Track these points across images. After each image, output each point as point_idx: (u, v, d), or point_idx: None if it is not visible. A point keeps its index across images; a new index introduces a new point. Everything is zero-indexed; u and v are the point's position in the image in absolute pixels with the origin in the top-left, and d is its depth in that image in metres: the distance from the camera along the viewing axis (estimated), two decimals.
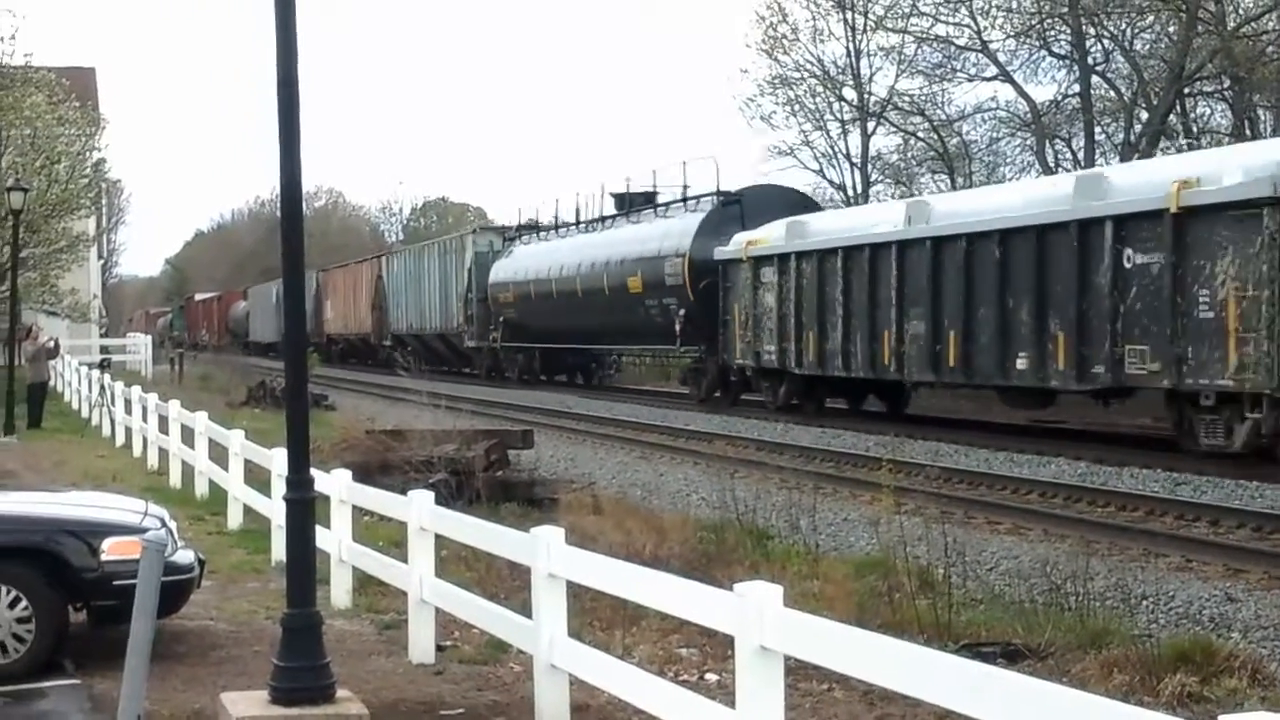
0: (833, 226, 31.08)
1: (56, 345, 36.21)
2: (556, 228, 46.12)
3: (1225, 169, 20.13)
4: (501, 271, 46.37)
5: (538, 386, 43.05)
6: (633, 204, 41.50)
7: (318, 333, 60.25)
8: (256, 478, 15.94)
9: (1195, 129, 43.35)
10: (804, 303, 30.11)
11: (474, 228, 51.43)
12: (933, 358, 25.95)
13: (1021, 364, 23.64)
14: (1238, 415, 19.46)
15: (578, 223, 44.68)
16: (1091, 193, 22.25)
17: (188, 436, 20.01)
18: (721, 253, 33.45)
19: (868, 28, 50.95)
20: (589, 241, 41.87)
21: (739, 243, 32.86)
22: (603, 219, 42.98)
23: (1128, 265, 21.26)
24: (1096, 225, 21.85)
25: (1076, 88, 45.39)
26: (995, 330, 24.32)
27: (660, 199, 40.18)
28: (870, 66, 52.39)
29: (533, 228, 47.68)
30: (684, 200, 38.26)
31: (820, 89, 53.23)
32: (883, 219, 28.71)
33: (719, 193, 36.74)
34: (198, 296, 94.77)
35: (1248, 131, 39.52)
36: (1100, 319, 21.75)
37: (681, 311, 35.12)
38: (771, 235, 32.07)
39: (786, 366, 30.81)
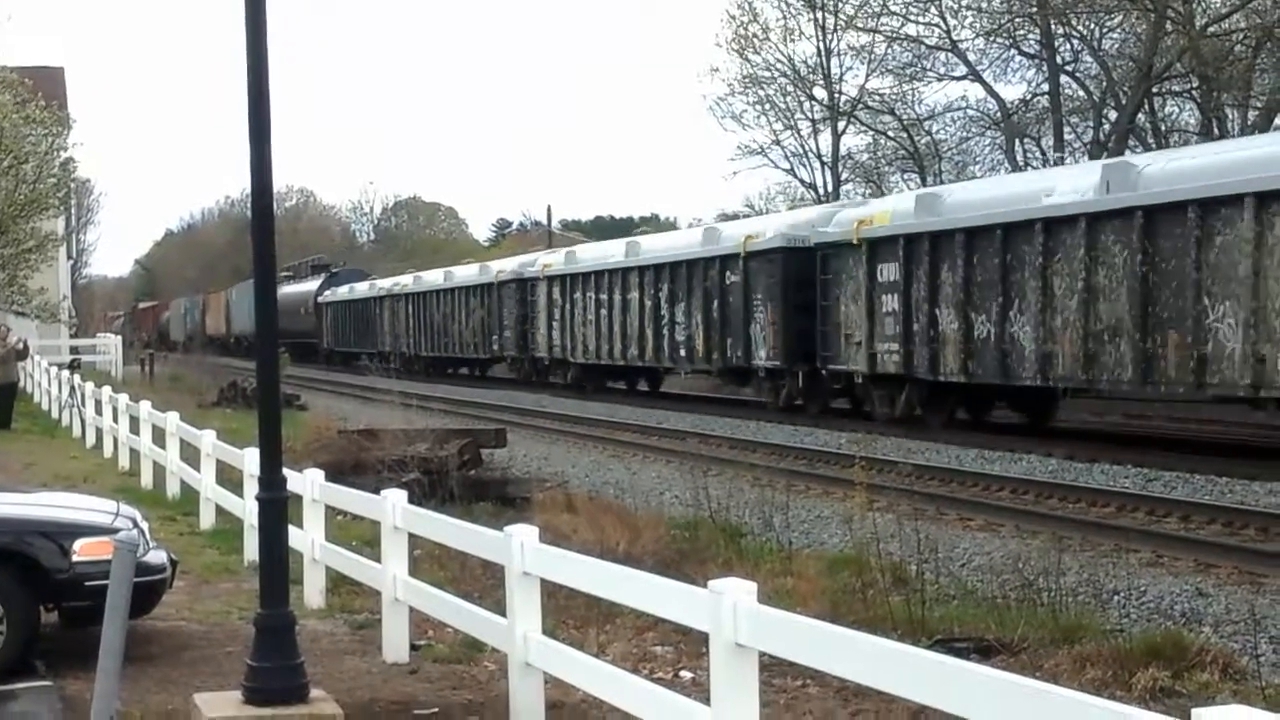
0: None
1: (26, 346, 35.95)
2: (289, 279, 75.12)
3: None
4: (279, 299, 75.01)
5: (506, 386, 44.60)
6: (314, 268, 75.78)
7: (202, 334, 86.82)
8: (228, 478, 15.89)
9: (1163, 128, 43.61)
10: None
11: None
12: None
13: None
14: None
15: (297, 276, 76.49)
16: None
17: (159, 437, 19.93)
18: (326, 296, 69.49)
19: (838, 27, 51.18)
20: (301, 286, 73.60)
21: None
22: (305, 275, 75.49)
23: None
24: None
25: (1046, 87, 45.65)
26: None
27: (334, 269, 75.47)
28: (840, 66, 52.66)
29: (310, 275, 76.03)
30: (322, 271, 74.05)
31: (791, 88, 53.44)
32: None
33: (329, 270, 73.71)
34: (140, 305, 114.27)
35: (1215, 130, 39.76)
36: None
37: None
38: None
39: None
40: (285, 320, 68.45)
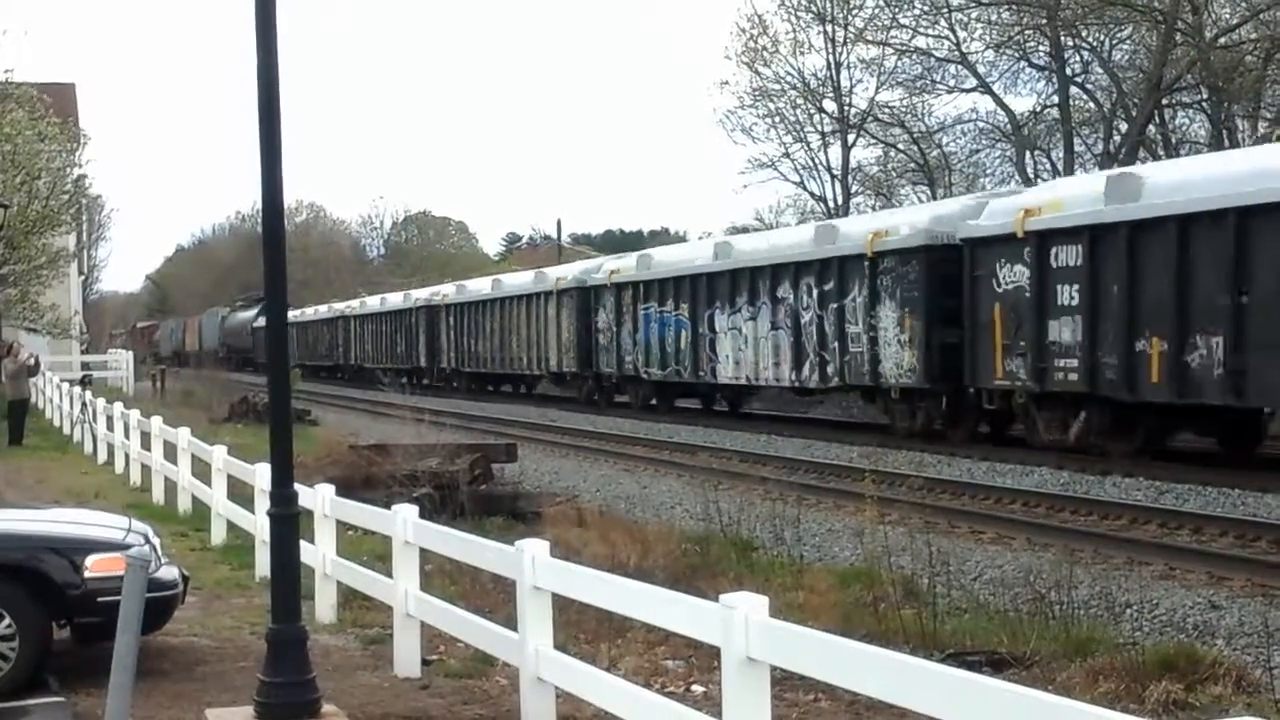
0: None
1: (37, 362, 36.05)
2: (238, 307, 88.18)
3: None
4: (229, 323, 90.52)
5: (518, 400, 45.35)
6: (255, 300, 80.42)
7: (183, 350, 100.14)
8: (240, 493, 15.90)
9: (1174, 139, 43.57)
10: None
11: (223, 305, 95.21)
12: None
13: None
14: None
15: (235, 308, 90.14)
16: None
17: (170, 453, 19.95)
18: (259, 322, 72.32)
19: (848, 40, 51.14)
20: (245, 314, 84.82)
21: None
22: (250, 305, 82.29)
23: None
24: None
25: (1055, 99, 45.59)
26: None
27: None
28: (850, 79, 52.62)
29: (250, 304, 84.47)
30: (258, 303, 76.44)
31: (800, 101, 53.41)
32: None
33: (259, 300, 78.23)
34: (138, 325, 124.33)
35: (1226, 141, 39.71)
36: None
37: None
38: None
39: None
40: (233, 339, 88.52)
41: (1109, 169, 31.47)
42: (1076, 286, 21.92)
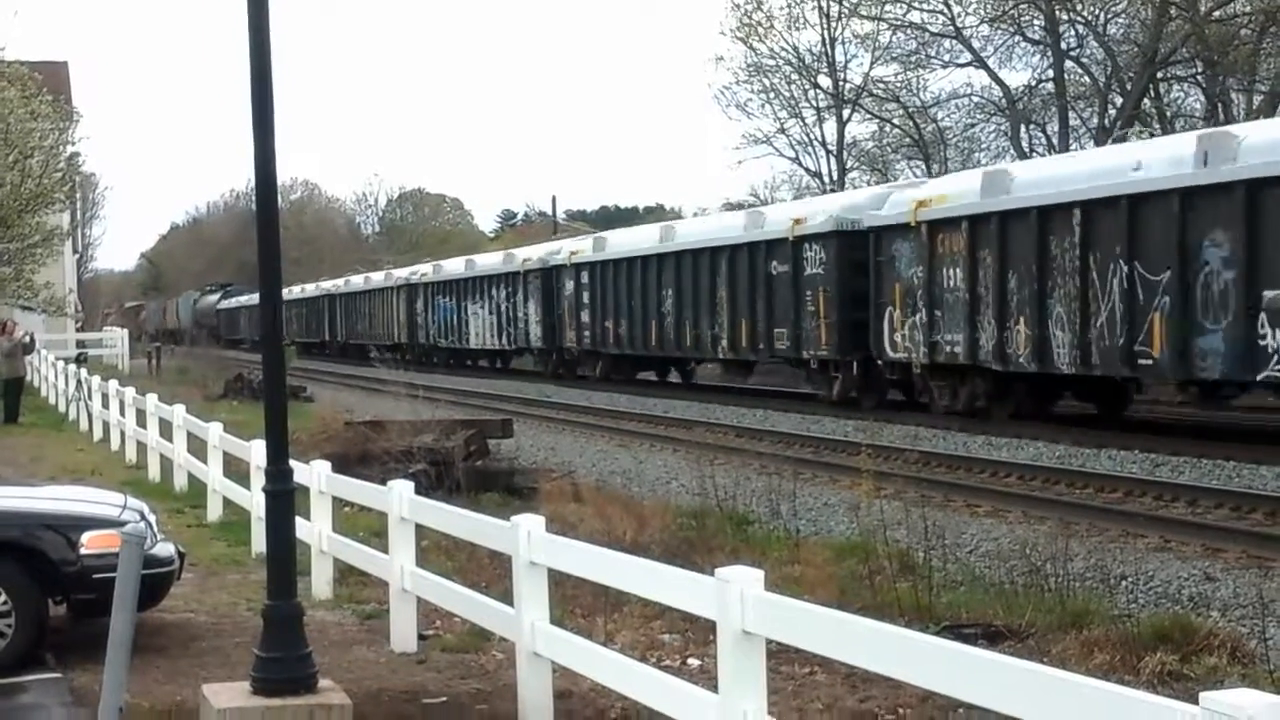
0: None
1: (32, 340, 36.00)
2: (207, 292, 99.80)
3: None
4: (199, 304, 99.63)
5: (506, 376, 45.81)
6: (220, 285, 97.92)
7: (164, 328, 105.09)
8: (236, 470, 15.90)
9: (1168, 113, 43.53)
10: None
11: (194, 289, 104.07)
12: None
13: None
14: None
15: (204, 293, 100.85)
16: None
17: (166, 430, 19.94)
18: (222, 304, 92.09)
19: (843, 15, 51.07)
20: (211, 297, 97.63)
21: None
22: (216, 290, 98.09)
23: None
24: None
25: (1050, 73, 45.53)
26: None
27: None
28: (845, 54, 52.59)
29: (216, 290, 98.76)
30: (221, 289, 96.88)
31: (795, 76, 53.35)
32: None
33: (225, 287, 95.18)
34: (126, 305, 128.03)
35: (1221, 115, 39.68)
36: None
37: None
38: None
39: None
40: (202, 319, 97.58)
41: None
42: (586, 295, 40.40)
